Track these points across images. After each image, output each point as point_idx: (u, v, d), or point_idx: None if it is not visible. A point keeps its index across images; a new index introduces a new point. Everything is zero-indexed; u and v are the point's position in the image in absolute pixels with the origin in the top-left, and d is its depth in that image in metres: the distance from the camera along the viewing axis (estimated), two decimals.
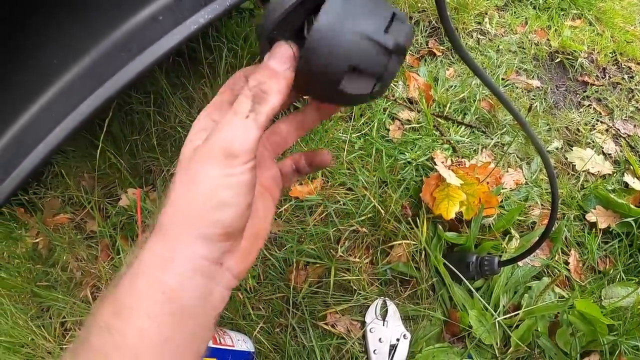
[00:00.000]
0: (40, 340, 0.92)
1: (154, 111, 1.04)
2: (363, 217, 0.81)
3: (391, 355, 0.75)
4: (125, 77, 0.68)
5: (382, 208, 0.79)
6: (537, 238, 0.61)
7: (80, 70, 0.67)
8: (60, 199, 1.12)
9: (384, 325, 0.77)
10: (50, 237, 1.03)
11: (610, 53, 1.27)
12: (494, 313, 0.78)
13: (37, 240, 1.08)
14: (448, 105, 0.99)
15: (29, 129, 0.72)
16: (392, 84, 1.03)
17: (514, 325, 0.80)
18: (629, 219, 0.93)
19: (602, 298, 0.87)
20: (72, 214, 1.09)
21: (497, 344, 0.80)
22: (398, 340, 0.76)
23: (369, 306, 0.79)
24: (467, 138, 0.95)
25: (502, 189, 0.89)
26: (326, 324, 0.77)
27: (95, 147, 0.91)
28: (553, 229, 0.61)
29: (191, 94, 1.06)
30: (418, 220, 0.79)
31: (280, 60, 0.26)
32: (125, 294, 0.24)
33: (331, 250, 0.79)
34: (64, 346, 0.93)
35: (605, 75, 1.23)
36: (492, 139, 0.95)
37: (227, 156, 0.24)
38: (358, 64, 0.25)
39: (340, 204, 0.83)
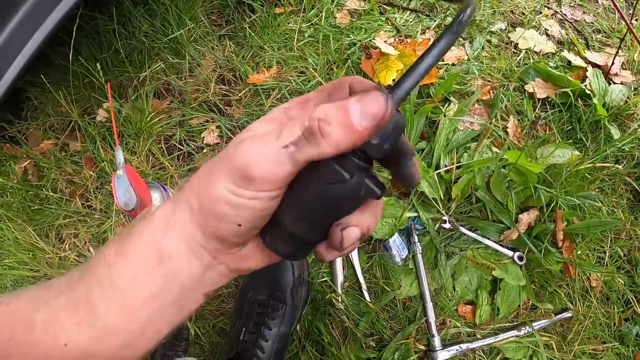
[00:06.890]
0: (40, 254, 1.01)
1: (118, 28, 1.08)
2: None
3: None
4: None
5: (325, 82, 0.86)
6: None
7: None
8: (42, 128, 1.19)
9: None
10: (37, 160, 1.10)
11: None
12: (431, 170, 0.87)
13: (24, 165, 1.15)
14: None
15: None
16: None
17: (454, 181, 0.89)
18: (567, 89, 0.99)
19: (538, 157, 0.94)
20: (55, 139, 1.16)
21: (440, 198, 0.89)
22: None
23: None
24: (411, 22, 1.01)
25: (442, 62, 0.95)
26: None
27: (68, 72, 0.96)
28: None
29: (152, 7, 1.10)
30: None
31: (365, 114, 0.21)
32: (131, 240, 0.26)
33: None
34: (61, 255, 1.03)
35: None
36: (435, 20, 1.01)
37: (242, 177, 0.22)
38: None
39: (293, 84, 0.90)
